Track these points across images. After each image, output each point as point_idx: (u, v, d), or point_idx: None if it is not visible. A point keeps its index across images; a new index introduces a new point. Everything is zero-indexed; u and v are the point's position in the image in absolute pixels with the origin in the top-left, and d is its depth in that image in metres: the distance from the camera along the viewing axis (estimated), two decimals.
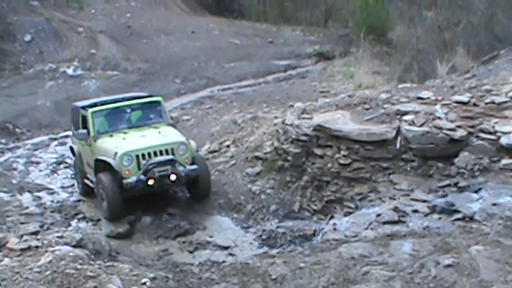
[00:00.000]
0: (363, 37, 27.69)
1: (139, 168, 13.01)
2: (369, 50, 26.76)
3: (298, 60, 30.02)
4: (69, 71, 27.66)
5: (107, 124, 14.22)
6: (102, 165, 13.43)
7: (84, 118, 14.40)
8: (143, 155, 13.10)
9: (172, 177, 12.97)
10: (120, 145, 13.30)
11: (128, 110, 14.58)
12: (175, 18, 35.12)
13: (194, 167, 13.40)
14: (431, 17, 26.89)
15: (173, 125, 14.58)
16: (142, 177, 12.87)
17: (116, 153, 13.10)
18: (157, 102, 14.80)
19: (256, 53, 30.55)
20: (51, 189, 16.00)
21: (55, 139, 21.32)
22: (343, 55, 29.50)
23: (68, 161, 18.07)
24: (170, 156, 13.16)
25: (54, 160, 18.65)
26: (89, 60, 28.47)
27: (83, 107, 14.68)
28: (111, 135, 13.86)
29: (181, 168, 13.16)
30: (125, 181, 12.94)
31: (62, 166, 18.07)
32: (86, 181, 14.66)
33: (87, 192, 14.72)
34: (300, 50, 30.90)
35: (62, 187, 16.23)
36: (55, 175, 17.38)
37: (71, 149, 15.87)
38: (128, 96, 15.34)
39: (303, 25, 35.93)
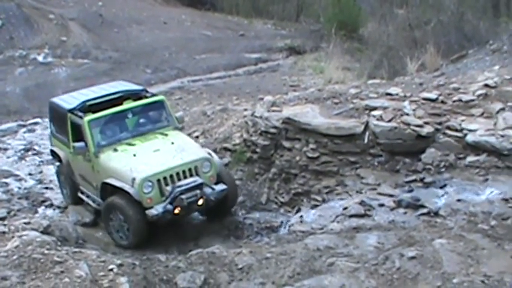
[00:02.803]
0: (334, 32, 27.75)
1: (161, 194, 11.45)
2: (340, 46, 26.85)
3: (269, 53, 30.04)
4: (40, 58, 27.36)
5: (107, 134, 12.51)
6: (111, 188, 11.81)
7: (76, 126, 12.57)
8: (165, 178, 11.46)
9: (200, 201, 11.58)
10: (136, 167, 11.55)
11: (129, 115, 12.80)
12: (147, 8, 34.93)
13: (223, 187, 11.96)
14: (402, 15, 27.16)
15: (181, 129, 13.19)
16: (169, 206, 11.34)
17: (133, 179, 11.34)
18: (161, 102, 13.07)
19: (228, 46, 30.49)
20: (18, 175, 15.91)
21: (24, 126, 21.15)
22: (314, 50, 29.55)
23: (36, 148, 18.02)
24: (199, 180, 11.60)
25: (22, 147, 18.53)
26: (60, 48, 28.18)
27: (72, 111, 12.72)
28: (115, 149, 12.15)
29: (209, 190, 11.70)
30: (148, 212, 11.31)
31: (30, 153, 17.98)
32: (81, 195, 13.21)
33: (77, 201, 13.38)
34: (271, 44, 30.92)
35: (30, 174, 16.17)
36: (23, 162, 17.28)
37: (52, 152, 14.08)
38: (117, 91, 13.40)
39: (275, 19, 35.98)
